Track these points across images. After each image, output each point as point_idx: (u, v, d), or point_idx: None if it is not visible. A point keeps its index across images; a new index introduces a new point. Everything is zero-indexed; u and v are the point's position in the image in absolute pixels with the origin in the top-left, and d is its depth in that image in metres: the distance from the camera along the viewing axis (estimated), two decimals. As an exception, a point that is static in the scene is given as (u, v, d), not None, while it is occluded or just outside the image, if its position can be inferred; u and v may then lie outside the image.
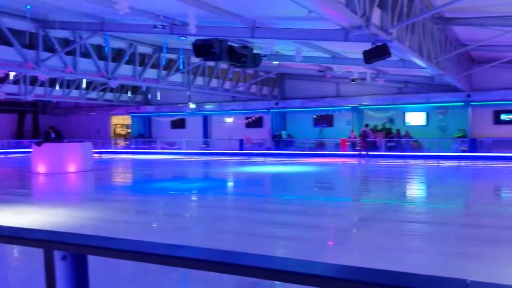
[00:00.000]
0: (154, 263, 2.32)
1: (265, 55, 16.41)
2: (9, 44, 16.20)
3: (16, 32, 16.33)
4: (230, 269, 1.87)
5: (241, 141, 30.27)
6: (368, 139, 25.17)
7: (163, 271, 4.60)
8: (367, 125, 26.52)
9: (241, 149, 29.45)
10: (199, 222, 8.82)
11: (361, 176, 18.33)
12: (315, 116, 30.51)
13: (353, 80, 25.11)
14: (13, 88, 27.90)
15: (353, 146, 26.70)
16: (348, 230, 7.96)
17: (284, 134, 30.46)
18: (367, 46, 11.61)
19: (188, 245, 2.35)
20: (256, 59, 15.30)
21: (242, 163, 23.07)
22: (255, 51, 15.60)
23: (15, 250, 2.66)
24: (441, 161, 22.36)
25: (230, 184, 15.62)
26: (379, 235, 7.25)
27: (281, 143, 29.66)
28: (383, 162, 22.71)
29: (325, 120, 30.19)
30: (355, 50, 14.94)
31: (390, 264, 5.36)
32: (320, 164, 21.92)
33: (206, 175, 19.77)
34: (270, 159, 24.91)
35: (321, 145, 29.13)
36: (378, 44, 11.30)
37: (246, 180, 16.04)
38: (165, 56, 22.56)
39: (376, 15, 10.10)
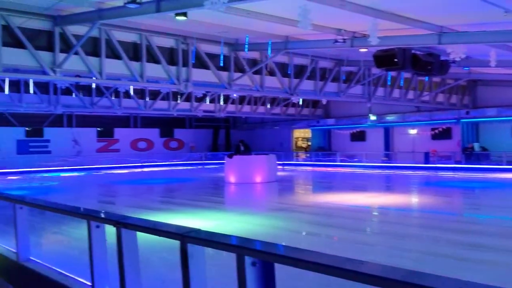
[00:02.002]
0: (338, 277, 2.31)
1: (453, 62, 15.21)
2: (206, 67, 18.17)
3: (211, 56, 18.25)
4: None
5: (426, 154, 28.48)
6: None
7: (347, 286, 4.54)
8: None
9: (426, 163, 27.70)
10: (381, 238, 8.54)
11: None
12: (514, 126, 27.08)
13: None
14: (209, 106, 31.34)
15: None
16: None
17: (477, 146, 27.70)
18: None
19: (370, 261, 2.29)
20: (443, 67, 14.33)
21: (427, 178, 21.68)
22: (442, 57, 14.61)
23: (211, 252, 2.97)
24: None
25: (414, 199, 14.80)
26: None
27: (473, 157, 27.02)
28: None
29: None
30: None
31: None
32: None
33: (388, 189, 19.09)
34: (460, 174, 22.89)
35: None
36: None
37: (432, 195, 15.00)
38: (345, 69, 22.66)
39: None
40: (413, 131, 31.73)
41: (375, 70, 22.50)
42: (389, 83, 25.19)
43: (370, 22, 11.37)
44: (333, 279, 2.29)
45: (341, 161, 32.30)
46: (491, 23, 11.79)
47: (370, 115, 30.92)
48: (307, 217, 11.07)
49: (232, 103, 31.39)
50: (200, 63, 17.96)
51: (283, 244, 2.88)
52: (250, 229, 9.24)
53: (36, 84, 24.42)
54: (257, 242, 2.87)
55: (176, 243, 3.13)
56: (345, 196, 15.31)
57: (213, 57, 18.24)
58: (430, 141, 30.57)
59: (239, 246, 2.75)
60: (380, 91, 25.53)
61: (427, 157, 28.24)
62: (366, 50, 15.43)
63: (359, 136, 34.52)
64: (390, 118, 32.09)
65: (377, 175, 25.10)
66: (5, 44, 13.24)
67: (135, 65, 16.11)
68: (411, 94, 26.88)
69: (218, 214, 11.56)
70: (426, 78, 25.13)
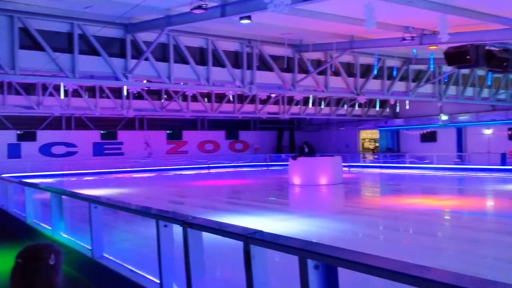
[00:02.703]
0: (403, 283, 2.23)
1: (533, 57, 14.23)
2: (270, 69, 18.27)
3: (275, 58, 18.32)
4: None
5: (503, 155, 26.83)
6: None
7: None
8: None
9: (503, 164, 26.10)
10: (453, 244, 8.16)
11: None
12: None
13: None
14: (273, 108, 31.48)
15: None
16: None
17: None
18: None
19: (441, 267, 2.19)
20: (521, 62, 13.47)
21: (504, 180, 20.43)
22: (519, 53, 13.75)
23: (272, 254, 2.98)
24: None
25: (489, 203, 14.01)
26: None
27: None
28: None
29: None
30: None
31: None
32: None
33: (461, 192, 18.19)
34: (541, 177, 21.37)
35: None
36: None
37: (509, 199, 14.11)
38: (414, 67, 21.89)
39: None
40: (488, 131, 30.01)
41: (446, 68, 21.56)
42: (461, 81, 24.04)
43: (440, 19, 10.91)
44: (400, 285, 2.22)
45: (411, 162, 31.19)
46: None
47: (441, 114, 29.64)
48: (373, 220, 10.80)
49: (296, 104, 31.32)
50: (264, 65, 18.09)
51: (347, 248, 2.83)
52: (314, 232, 9.17)
53: (109, 89, 25.77)
54: (320, 245, 2.84)
55: (240, 244, 3.17)
56: (414, 199, 14.77)
57: (277, 58, 18.31)
58: (506, 141, 28.76)
59: (301, 249, 2.74)
60: (452, 90, 24.42)
61: (503, 158, 26.60)
62: (436, 47, 14.82)
63: (429, 137, 33.17)
64: (462, 117, 30.56)
65: (449, 177, 24.00)
66: (81, 52, 14.06)
67: (201, 69, 16.52)
68: (485, 92, 25.49)
69: (282, 216, 11.57)
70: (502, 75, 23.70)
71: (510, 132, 28.81)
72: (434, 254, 7.14)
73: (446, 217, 11.41)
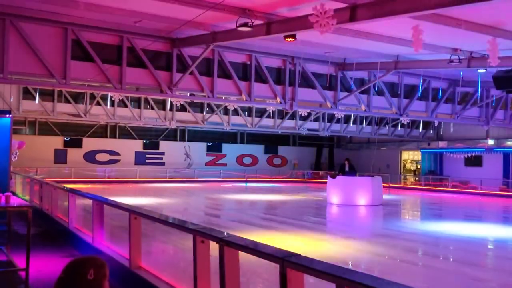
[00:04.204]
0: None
1: None
2: (312, 86, 18.24)
3: (317, 75, 18.28)
4: None
5: (552, 183, 25.66)
6: None
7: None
8: None
9: (552, 193, 24.93)
10: (498, 274, 7.81)
11: None
12: None
13: None
14: (313, 125, 31.34)
15: None
16: None
17: None
18: None
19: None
20: None
21: (554, 211, 19.47)
22: None
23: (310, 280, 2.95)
24: None
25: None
26: None
27: None
28: None
29: None
30: None
31: None
32: None
33: (506, 220, 17.45)
34: None
35: None
36: None
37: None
38: (460, 90, 21.33)
39: None
40: (538, 158, 28.73)
41: (495, 91, 20.90)
42: (509, 105, 23.21)
43: (490, 42, 10.62)
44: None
45: (453, 186, 30.23)
46: None
47: (488, 139, 28.67)
48: (412, 246, 10.51)
49: (337, 122, 31.05)
50: (306, 83, 18.09)
51: (384, 275, 2.77)
52: (351, 254, 9.01)
53: (154, 100, 26.44)
54: (358, 274, 2.80)
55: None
56: (456, 225, 14.28)
57: (320, 76, 18.27)
58: (557, 169, 27.45)
59: (339, 277, 2.71)
60: (500, 114, 23.62)
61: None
62: (485, 70, 14.41)
63: (474, 161, 32.06)
64: (510, 142, 29.45)
65: (494, 204, 23.09)
66: (129, 64, 14.51)
67: (243, 84, 16.69)
68: (536, 117, 24.50)
69: (319, 235, 11.45)
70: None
71: (561, 160, 27.48)
72: (476, 285, 6.87)
73: (490, 246, 10.96)
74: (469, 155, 32.16)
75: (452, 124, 28.47)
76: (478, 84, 19.83)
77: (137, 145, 33.99)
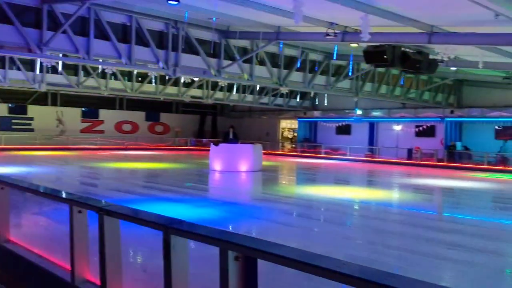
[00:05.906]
0: (317, 275, 2.34)
1: (442, 61, 15.33)
2: (195, 53, 18.02)
3: (201, 42, 18.10)
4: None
5: (409, 150, 28.81)
6: None
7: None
8: None
9: (409, 159, 28.03)
10: (361, 233, 8.64)
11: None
12: (497, 127, 27.48)
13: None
14: (197, 92, 31.15)
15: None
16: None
17: (459, 145, 28.08)
18: None
19: (349, 256, 2.33)
20: (431, 65, 14.43)
21: (409, 174, 21.95)
22: (431, 56, 14.71)
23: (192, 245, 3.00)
24: None
25: (395, 195, 14.99)
26: None
27: (455, 155, 27.40)
28: None
29: (510, 133, 26.97)
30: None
31: None
32: (501, 182, 19.66)
33: (370, 183, 19.29)
34: (441, 172, 23.22)
35: (503, 160, 26.08)
36: None
37: (413, 192, 15.21)
38: (334, 62, 22.70)
39: None
40: (397, 127, 32.02)
41: (364, 65, 22.59)
42: (376, 78, 25.35)
43: (363, 18, 11.37)
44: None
45: (326, 153, 32.49)
46: (481, 25, 11.89)
47: (356, 109, 31.10)
48: (289, 208, 11.15)
49: (220, 90, 31.24)
50: (190, 49, 17.81)
51: (262, 236, 2.89)
52: (232, 219, 9.28)
53: (20, 60, 23.98)
54: (240, 236, 2.88)
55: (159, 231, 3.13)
56: (327, 188, 15.46)
57: (203, 42, 18.10)
58: (414, 138, 30.90)
59: (222, 240, 2.76)
60: (368, 86, 25.68)
61: (410, 154, 28.56)
62: (357, 45, 15.44)
63: (344, 130, 34.69)
64: (376, 113, 32.33)
65: (360, 169, 25.33)
66: None
67: (123, 46, 15.91)
68: (398, 91, 27.09)
69: (201, 202, 11.57)
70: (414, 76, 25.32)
71: (417, 130, 30.94)
72: (345, 243, 7.53)
73: (356, 207, 12.05)
74: (340, 124, 34.68)
75: (326, 95, 30.28)
76: (351, 58, 21.27)
77: (2, 109, 30.88)
